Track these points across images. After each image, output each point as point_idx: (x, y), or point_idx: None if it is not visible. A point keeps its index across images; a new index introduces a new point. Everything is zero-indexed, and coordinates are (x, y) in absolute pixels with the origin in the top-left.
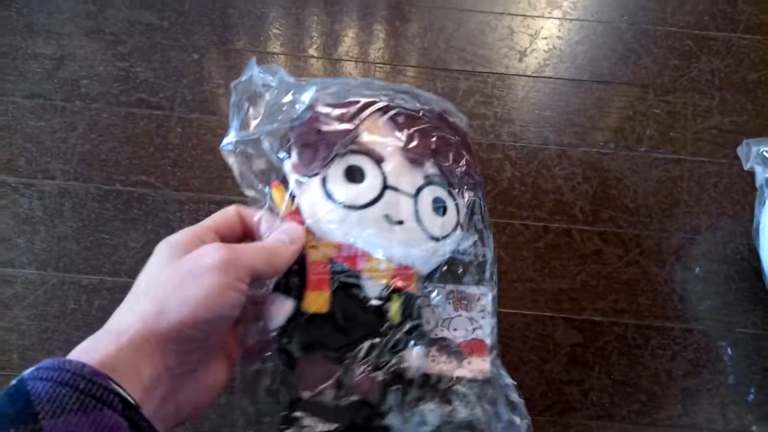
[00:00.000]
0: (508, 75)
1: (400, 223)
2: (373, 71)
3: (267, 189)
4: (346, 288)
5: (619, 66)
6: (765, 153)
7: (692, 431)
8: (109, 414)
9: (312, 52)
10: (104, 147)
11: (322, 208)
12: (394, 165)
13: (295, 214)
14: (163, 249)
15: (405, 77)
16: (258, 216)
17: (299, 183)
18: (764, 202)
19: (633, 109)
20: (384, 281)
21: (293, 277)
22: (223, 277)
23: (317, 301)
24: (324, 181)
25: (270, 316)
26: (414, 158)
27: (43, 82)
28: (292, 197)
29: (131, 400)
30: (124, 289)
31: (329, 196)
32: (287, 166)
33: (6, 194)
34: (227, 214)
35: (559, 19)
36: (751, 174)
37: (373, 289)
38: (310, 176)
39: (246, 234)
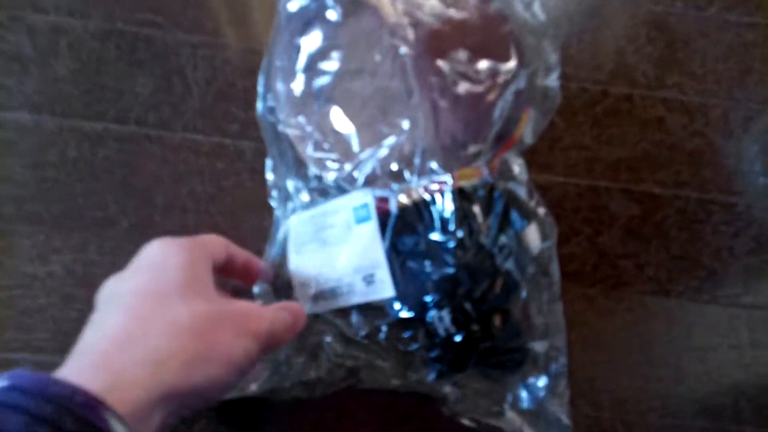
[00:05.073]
0: None
1: None
2: None
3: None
4: None
5: None
6: None
7: (753, 310)
8: None
9: None
10: None
11: None
12: None
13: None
14: (170, 281)
15: None
16: (263, 265)
17: None
18: None
19: None
20: None
21: None
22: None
23: None
24: None
25: None
26: None
27: None
28: None
29: None
30: (132, 138)
31: None
32: None
33: None
34: (216, 244)
35: None
36: None
37: None
38: None
39: (226, 268)
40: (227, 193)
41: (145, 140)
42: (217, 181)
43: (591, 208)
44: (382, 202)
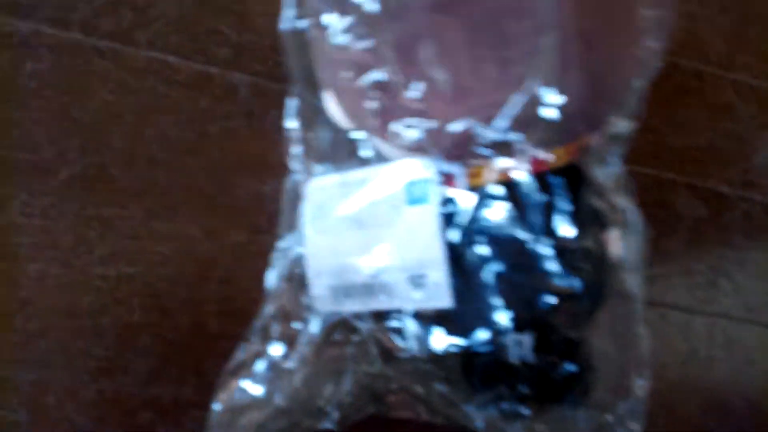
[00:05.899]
0: None
1: None
2: None
3: None
4: None
5: None
6: None
7: None
8: None
9: None
10: None
11: None
12: None
13: None
14: None
15: None
16: None
17: None
18: None
19: None
20: None
21: None
22: None
23: None
24: None
25: None
26: None
27: None
28: None
29: None
30: (75, 51)
31: None
32: None
33: None
34: None
35: None
36: None
37: None
38: None
39: None
40: (213, 143)
41: (95, 55)
42: (199, 124)
43: (656, 204)
44: (445, 179)
